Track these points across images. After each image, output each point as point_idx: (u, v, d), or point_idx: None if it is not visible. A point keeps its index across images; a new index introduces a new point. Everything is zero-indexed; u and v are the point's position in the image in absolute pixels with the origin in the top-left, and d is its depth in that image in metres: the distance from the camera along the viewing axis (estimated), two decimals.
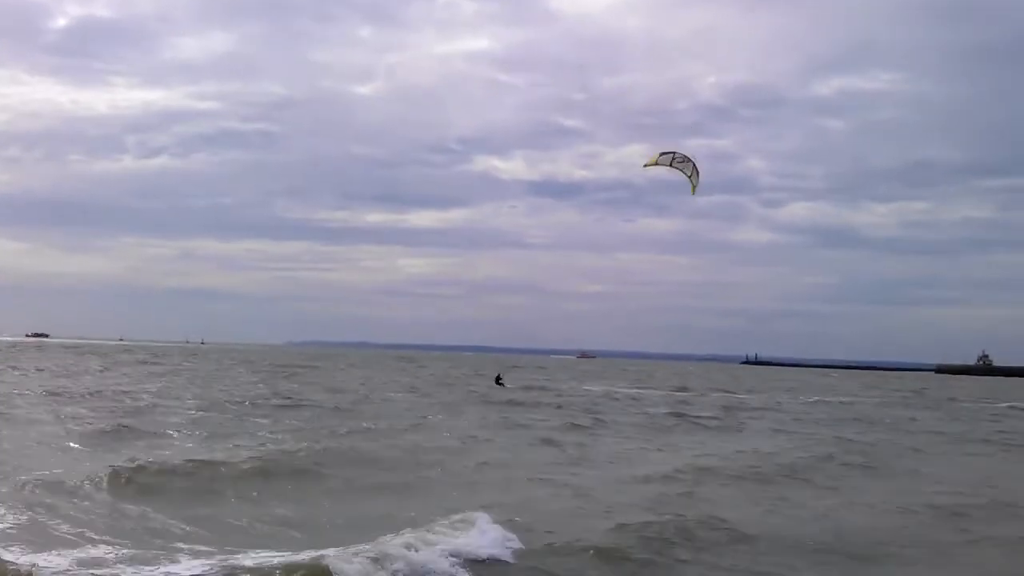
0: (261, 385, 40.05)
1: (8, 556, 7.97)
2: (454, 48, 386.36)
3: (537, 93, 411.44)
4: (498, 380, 51.97)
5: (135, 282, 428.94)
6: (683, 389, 54.94)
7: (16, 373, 42.28)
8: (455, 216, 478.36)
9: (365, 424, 22.61)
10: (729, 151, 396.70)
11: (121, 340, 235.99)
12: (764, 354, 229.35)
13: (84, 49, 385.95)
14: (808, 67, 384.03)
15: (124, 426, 19.49)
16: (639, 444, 21.04)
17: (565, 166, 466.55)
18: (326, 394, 34.88)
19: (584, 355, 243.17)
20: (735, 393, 52.47)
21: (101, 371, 48.15)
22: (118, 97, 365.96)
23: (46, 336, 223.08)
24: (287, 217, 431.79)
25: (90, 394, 29.20)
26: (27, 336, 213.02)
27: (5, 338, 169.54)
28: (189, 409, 25.15)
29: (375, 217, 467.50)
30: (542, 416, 28.05)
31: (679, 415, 30.79)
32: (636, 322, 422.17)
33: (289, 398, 31.14)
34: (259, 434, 19.55)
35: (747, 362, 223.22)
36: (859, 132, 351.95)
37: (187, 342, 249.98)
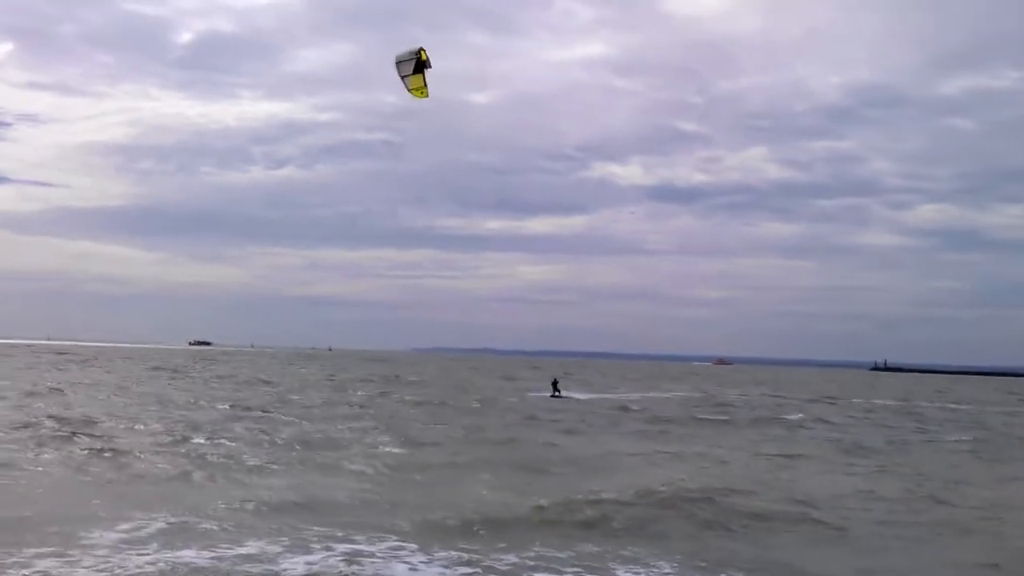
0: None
1: None
2: (569, 54, 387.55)
3: (653, 97, 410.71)
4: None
5: (263, 290, 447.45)
6: (906, 398, 54.36)
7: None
8: (574, 223, 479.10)
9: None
10: (853, 152, 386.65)
11: (252, 346, 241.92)
12: (892, 360, 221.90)
13: (209, 63, 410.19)
14: (932, 65, 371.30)
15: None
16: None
17: (684, 171, 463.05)
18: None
19: (721, 361, 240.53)
20: (949, 404, 51.57)
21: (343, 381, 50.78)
22: (245, 110, 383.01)
23: (208, 344, 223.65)
24: (410, 226, 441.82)
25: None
26: (190, 344, 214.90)
27: (170, 347, 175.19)
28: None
29: (494, 224, 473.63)
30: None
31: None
32: (759, 327, 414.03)
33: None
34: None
35: (876, 368, 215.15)
36: (987, 132, 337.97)
37: (314, 349, 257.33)
